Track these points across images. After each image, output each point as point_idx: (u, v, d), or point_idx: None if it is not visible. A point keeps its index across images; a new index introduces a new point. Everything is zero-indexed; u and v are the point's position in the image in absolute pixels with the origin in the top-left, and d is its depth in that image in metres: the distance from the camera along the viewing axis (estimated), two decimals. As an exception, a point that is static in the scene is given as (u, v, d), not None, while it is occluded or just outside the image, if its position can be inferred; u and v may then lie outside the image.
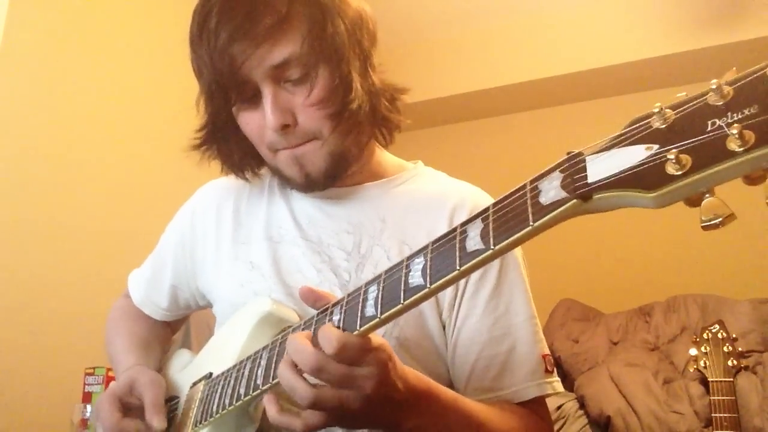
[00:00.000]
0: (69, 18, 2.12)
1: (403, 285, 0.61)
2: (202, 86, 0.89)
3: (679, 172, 0.40)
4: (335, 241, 0.94)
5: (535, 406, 0.88)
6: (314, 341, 0.67)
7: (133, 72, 2.33)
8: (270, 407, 0.71)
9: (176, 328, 1.23)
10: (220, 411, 0.82)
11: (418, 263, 0.60)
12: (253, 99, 0.86)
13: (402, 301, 0.60)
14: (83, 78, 2.15)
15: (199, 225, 1.06)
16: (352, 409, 0.65)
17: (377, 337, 0.67)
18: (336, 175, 0.91)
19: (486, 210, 0.56)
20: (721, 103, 0.40)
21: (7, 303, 1.82)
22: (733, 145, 0.38)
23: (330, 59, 0.84)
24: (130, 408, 0.91)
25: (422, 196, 0.96)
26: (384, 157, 1.03)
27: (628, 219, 2.87)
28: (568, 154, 0.49)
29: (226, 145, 0.96)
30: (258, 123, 0.87)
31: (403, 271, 0.62)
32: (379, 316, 0.62)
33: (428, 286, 0.58)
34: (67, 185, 2.05)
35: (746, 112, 0.38)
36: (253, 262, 0.97)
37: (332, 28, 0.84)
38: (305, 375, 0.66)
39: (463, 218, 0.59)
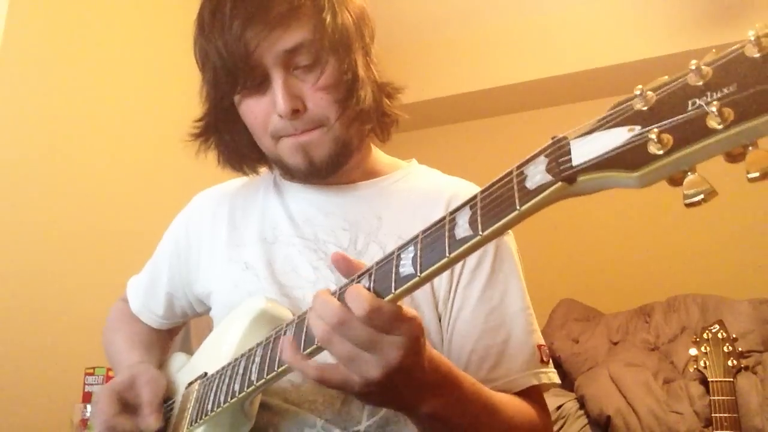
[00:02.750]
0: (69, 18, 2.13)
1: (393, 275, 0.61)
2: (206, 73, 0.90)
3: (661, 151, 0.41)
4: (332, 238, 0.94)
5: (533, 396, 0.87)
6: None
7: (134, 72, 2.34)
8: (287, 349, 0.68)
9: (174, 334, 1.23)
10: (215, 409, 0.81)
11: (409, 253, 0.61)
12: (260, 86, 0.87)
13: (393, 291, 0.60)
14: (83, 78, 2.16)
15: (193, 232, 1.07)
16: (369, 377, 0.61)
17: (411, 310, 0.64)
18: (338, 164, 0.91)
19: (474, 197, 0.56)
20: (701, 83, 0.40)
21: (7, 303, 1.83)
22: (713, 123, 0.38)
23: (338, 48, 0.86)
24: (127, 405, 0.91)
25: (418, 193, 0.97)
26: (379, 156, 1.04)
27: (629, 219, 2.87)
28: (553, 138, 0.49)
29: (227, 134, 0.97)
30: (263, 110, 0.88)
31: (394, 262, 0.62)
32: None
33: (418, 274, 0.58)
34: (67, 185, 2.06)
35: (725, 90, 0.39)
36: (247, 263, 0.97)
37: (341, 18, 0.87)
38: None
39: None
